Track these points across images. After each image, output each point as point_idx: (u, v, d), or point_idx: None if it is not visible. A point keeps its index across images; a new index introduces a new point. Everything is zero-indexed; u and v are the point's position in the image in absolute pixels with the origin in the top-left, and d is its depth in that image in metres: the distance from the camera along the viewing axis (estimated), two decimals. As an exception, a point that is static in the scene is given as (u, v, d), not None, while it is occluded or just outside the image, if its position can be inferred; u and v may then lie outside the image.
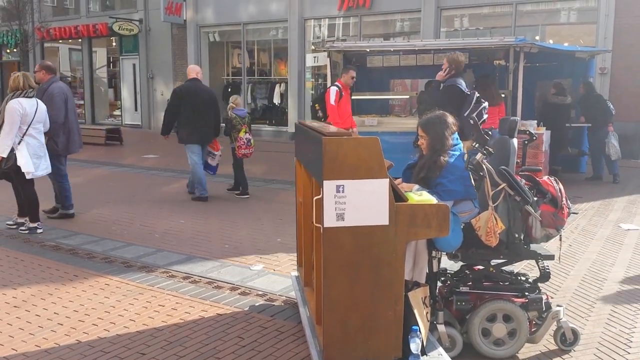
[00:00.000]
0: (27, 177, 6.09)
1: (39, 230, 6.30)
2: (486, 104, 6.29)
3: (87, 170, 10.82)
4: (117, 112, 20.73)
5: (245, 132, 8.11)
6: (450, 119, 3.56)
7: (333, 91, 8.01)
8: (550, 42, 12.13)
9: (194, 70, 8.25)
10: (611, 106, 9.58)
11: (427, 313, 3.18)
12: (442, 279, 3.71)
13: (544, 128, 8.97)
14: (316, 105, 8.32)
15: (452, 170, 3.38)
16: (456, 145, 3.51)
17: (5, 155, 5.87)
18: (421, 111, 8.96)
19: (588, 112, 9.66)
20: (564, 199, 3.47)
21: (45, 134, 6.44)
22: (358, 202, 2.90)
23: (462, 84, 6.29)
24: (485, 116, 6.13)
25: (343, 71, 8.59)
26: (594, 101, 9.61)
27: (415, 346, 2.95)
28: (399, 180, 3.66)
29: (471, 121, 4.16)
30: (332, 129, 3.49)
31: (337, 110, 7.96)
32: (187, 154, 7.98)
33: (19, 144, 5.97)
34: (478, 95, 6.19)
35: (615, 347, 3.61)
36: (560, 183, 3.57)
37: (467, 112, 5.91)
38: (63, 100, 6.65)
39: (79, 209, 7.42)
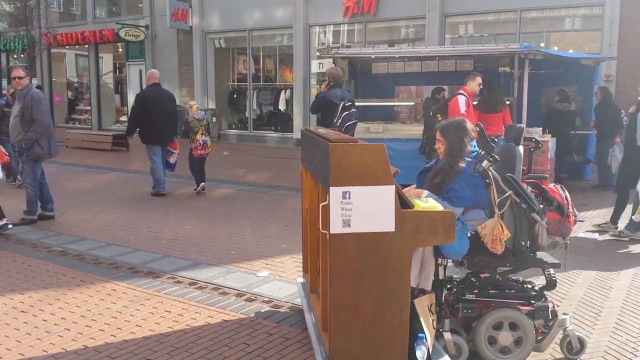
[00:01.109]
0: None
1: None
2: (352, 110, 7.31)
3: (94, 176, 10.87)
4: (123, 118, 20.79)
5: (202, 134, 8.80)
6: (469, 125, 3.57)
7: (462, 100, 7.37)
8: (555, 49, 12.14)
9: (154, 76, 8.92)
10: (625, 118, 9.47)
11: (433, 320, 3.18)
12: (448, 286, 3.71)
13: (550, 135, 8.95)
14: (438, 115, 7.69)
15: (466, 177, 3.39)
16: (474, 152, 3.51)
17: None
18: (426, 117, 8.97)
19: (599, 119, 9.60)
20: (570, 206, 3.47)
21: (29, 139, 6.59)
22: (364, 209, 2.92)
23: (333, 94, 7.36)
24: (351, 121, 7.21)
25: (469, 78, 7.73)
26: (605, 108, 9.52)
27: (421, 354, 2.96)
28: (413, 185, 3.68)
29: (477, 128, 4.17)
30: (338, 135, 3.51)
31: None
32: (148, 154, 8.74)
33: None
34: (349, 103, 7.30)
35: (622, 356, 3.60)
36: (566, 191, 3.57)
37: (335, 118, 7.10)
38: (47, 104, 6.83)
39: (86, 215, 7.47)
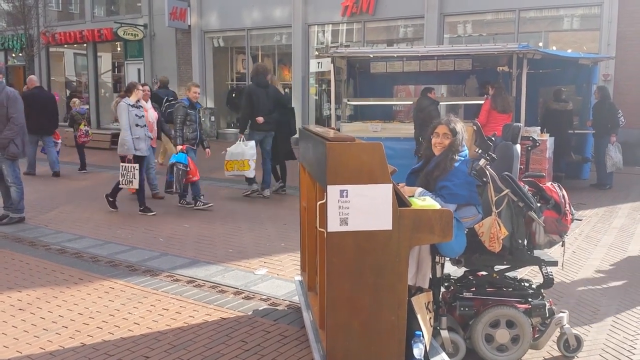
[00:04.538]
0: None
1: None
2: (172, 102, 10.24)
3: (93, 175, 10.86)
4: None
5: (85, 125, 10.92)
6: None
7: None
8: (553, 49, 12.15)
9: (33, 81, 10.75)
10: (622, 118, 9.48)
11: (430, 318, 3.19)
12: (446, 284, 3.72)
13: (548, 134, 8.97)
14: None
15: (457, 174, 3.40)
16: (462, 150, 3.54)
17: None
18: (422, 117, 8.91)
19: (596, 118, 9.63)
20: (567, 205, 3.49)
21: (5, 138, 6.52)
22: (361, 207, 2.92)
23: (161, 92, 11.46)
24: (170, 109, 9.45)
25: None
26: (602, 108, 9.51)
27: (418, 351, 2.97)
28: (402, 184, 3.68)
29: (474, 127, 4.18)
30: (336, 134, 3.52)
31: None
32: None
33: None
34: (171, 98, 11.07)
35: (619, 353, 3.61)
36: (563, 189, 3.58)
37: (162, 107, 10.15)
38: (22, 103, 6.75)
39: (84, 213, 7.46)
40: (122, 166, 7.25)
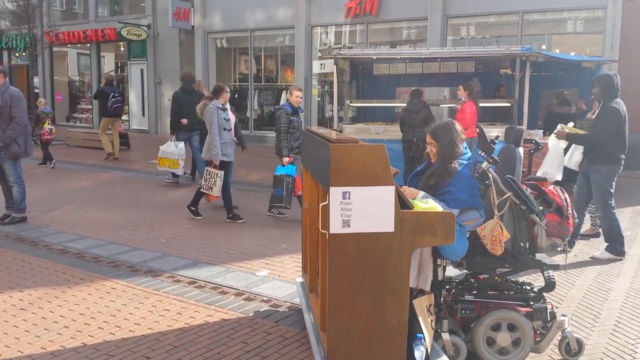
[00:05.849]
0: None
1: None
2: (117, 98, 12.52)
3: (94, 175, 10.88)
4: (124, 117, 20.78)
5: (49, 124, 11.68)
6: (459, 127, 3.59)
7: None
8: (556, 52, 12.13)
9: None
10: None
11: (431, 321, 3.19)
12: (447, 287, 3.72)
13: (550, 138, 8.94)
14: None
15: (460, 179, 3.40)
16: (465, 154, 3.52)
17: None
18: (415, 120, 8.86)
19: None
20: (569, 208, 3.48)
21: (7, 138, 6.54)
22: (364, 209, 2.92)
23: (107, 89, 12.48)
24: (116, 105, 12.46)
25: None
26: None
27: (419, 354, 2.96)
28: (405, 187, 3.68)
29: (477, 130, 4.17)
30: (339, 135, 3.52)
31: None
32: None
33: None
34: (117, 94, 12.67)
35: (620, 358, 3.60)
36: (565, 193, 3.57)
37: (108, 103, 12.32)
38: (25, 102, 6.80)
39: (86, 213, 7.47)
40: (206, 170, 6.97)
